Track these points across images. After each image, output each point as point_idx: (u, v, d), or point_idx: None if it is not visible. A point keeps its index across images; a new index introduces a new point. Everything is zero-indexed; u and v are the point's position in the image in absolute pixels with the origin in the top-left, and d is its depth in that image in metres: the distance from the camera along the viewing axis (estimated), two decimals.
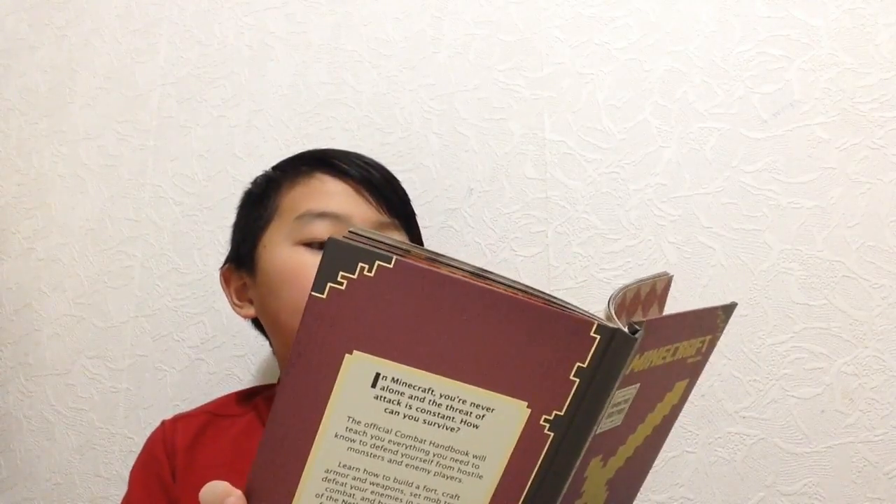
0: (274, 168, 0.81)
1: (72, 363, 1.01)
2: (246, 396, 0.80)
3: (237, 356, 0.95)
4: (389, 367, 0.41)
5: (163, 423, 0.77)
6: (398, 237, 0.73)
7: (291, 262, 0.72)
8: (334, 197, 0.74)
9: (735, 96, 0.85)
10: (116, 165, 1.05)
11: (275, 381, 0.85)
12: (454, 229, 0.91)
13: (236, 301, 0.78)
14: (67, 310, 1.03)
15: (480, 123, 0.93)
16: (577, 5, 0.92)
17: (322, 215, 0.72)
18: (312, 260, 0.71)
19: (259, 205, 0.78)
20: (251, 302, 0.77)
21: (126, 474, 0.76)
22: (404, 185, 0.83)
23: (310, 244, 0.72)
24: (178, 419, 0.78)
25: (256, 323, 0.81)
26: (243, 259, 0.77)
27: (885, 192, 0.80)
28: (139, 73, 1.07)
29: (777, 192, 0.83)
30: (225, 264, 0.80)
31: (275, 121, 1.00)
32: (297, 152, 0.83)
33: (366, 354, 0.41)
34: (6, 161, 1.10)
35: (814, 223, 0.81)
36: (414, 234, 0.81)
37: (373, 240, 0.40)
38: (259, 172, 0.83)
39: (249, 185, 0.82)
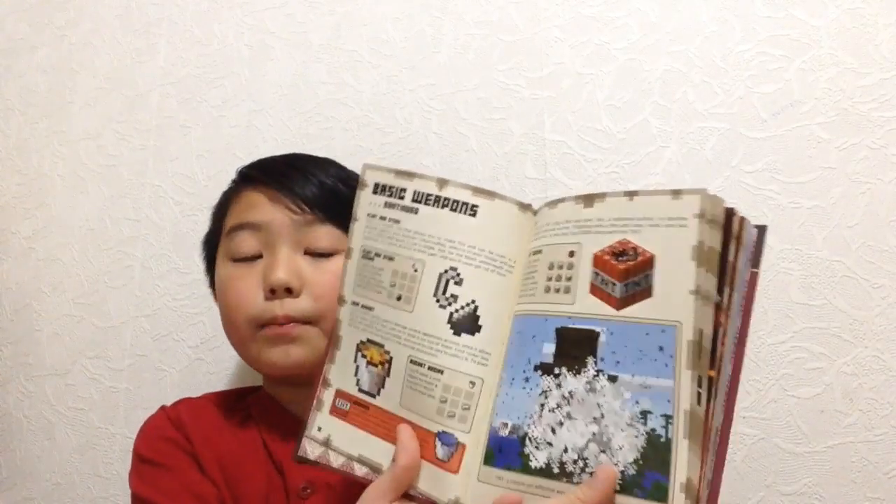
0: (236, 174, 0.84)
1: (72, 363, 1.01)
2: (239, 396, 0.81)
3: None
4: None
5: (163, 407, 0.78)
6: (323, 232, 0.74)
7: (221, 278, 0.77)
8: (253, 208, 0.76)
9: (735, 96, 0.85)
10: (116, 165, 1.05)
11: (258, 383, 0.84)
12: None
13: None
14: (67, 310, 1.03)
15: (480, 123, 0.93)
16: (577, 5, 0.92)
17: (241, 227, 0.75)
18: (234, 273, 0.75)
19: (215, 222, 0.82)
20: None
21: (126, 474, 0.76)
22: None
23: (236, 259, 0.75)
24: (179, 403, 0.79)
25: None
26: (212, 276, 0.81)
27: (885, 192, 0.80)
28: (139, 73, 1.07)
29: (777, 192, 0.83)
30: (210, 283, 0.83)
31: (275, 121, 1.00)
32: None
33: None
34: (6, 161, 1.10)
35: (814, 223, 0.81)
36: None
37: None
38: None
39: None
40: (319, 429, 0.58)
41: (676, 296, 0.45)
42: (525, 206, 0.54)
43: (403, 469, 0.51)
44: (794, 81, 0.84)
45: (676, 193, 0.47)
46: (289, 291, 0.71)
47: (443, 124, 0.94)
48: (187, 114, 1.04)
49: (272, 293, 0.71)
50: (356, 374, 0.56)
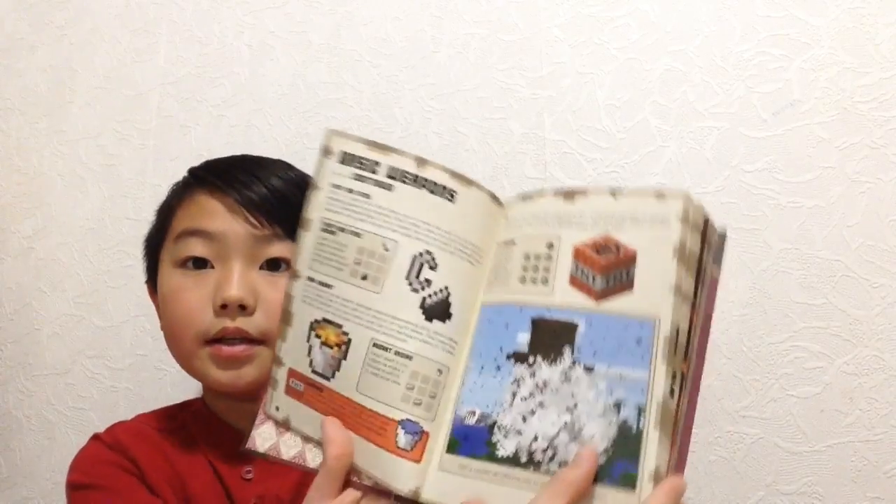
0: (186, 175, 0.79)
1: (72, 362, 1.01)
2: (171, 416, 0.77)
3: None
4: None
5: (95, 435, 0.74)
6: (281, 247, 0.70)
7: (167, 286, 0.71)
8: (208, 216, 0.71)
9: (735, 96, 0.85)
10: (116, 165, 1.05)
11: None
12: None
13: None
14: (67, 309, 1.03)
15: (480, 123, 0.93)
16: (577, 5, 0.92)
17: (194, 233, 0.70)
18: (182, 283, 0.70)
19: (161, 220, 0.76)
20: None
21: None
22: None
23: (185, 264, 0.70)
24: (113, 428, 0.75)
25: None
26: (154, 277, 0.76)
27: (885, 192, 0.80)
28: (139, 73, 1.06)
29: (777, 192, 0.83)
30: (148, 280, 0.79)
31: (275, 120, 1.00)
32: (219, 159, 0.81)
33: None
34: (6, 161, 1.10)
35: (814, 223, 0.81)
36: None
37: None
38: None
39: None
40: (277, 408, 0.55)
41: (656, 292, 0.46)
42: (496, 199, 0.54)
43: (335, 459, 0.50)
44: (794, 81, 0.84)
45: (660, 195, 0.48)
46: (242, 308, 0.68)
47: (443, 124, 0.94)
48: (187, 113, 1.04)
49: (223, 308, 0.67)
50: (309, 355, 0.53)
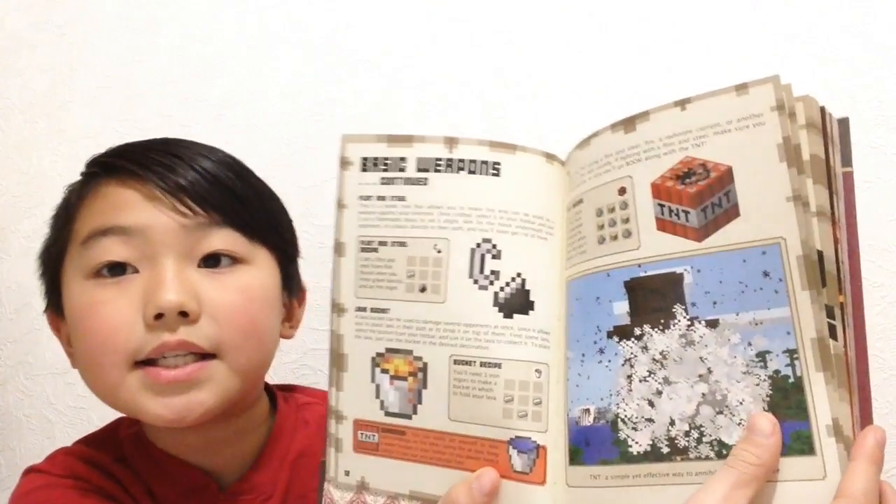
0: (86, 166, 0.63)
1: None
2: (103, 443, 0.64)
3: None
4: None
5: (34, 468, 0.63)
6: (221, 238, 0.57)
7: (78, 303, 0.56)
8: (123, 208, 0.56)
9: None
10: None
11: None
12: None
13: (69, 349, 0.61)
14: None
15: (480, 123, 0.93)
16: (578, 7, 0.92)
17: (107, 231, 0.55)
18: (98, 295, 0.55)
19: (59, 228, 0.61)
20: None
21: None
22: None
23: (99, 273, 0.56)
24: (50, 458, 0.64)
25: None
26: (55, 300, 0.61)
27: (885, 191, 0.80)
28: (139, 72, 1.06)
29: None
30: (47, 307, 0.64)
31: (275, 121, 1.00)
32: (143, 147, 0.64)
33: None
34: (6, 160, 1.10)
35: None
36: (261, 228, 0.62)
37: None
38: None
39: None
40: (347, 472, 0.47)
41: (771, 207, 0.38)
42: (551, 157, 0.47)
43: None
44: (794, 80, 0.84)
45: (742, 89, 0.40)
46: (183, 315, 0.53)
47: (443, 124, 0.94)
48: (187, 113, 1.03)
49: (158, 319, 0.53)
50: (378, 396, 0.46)
